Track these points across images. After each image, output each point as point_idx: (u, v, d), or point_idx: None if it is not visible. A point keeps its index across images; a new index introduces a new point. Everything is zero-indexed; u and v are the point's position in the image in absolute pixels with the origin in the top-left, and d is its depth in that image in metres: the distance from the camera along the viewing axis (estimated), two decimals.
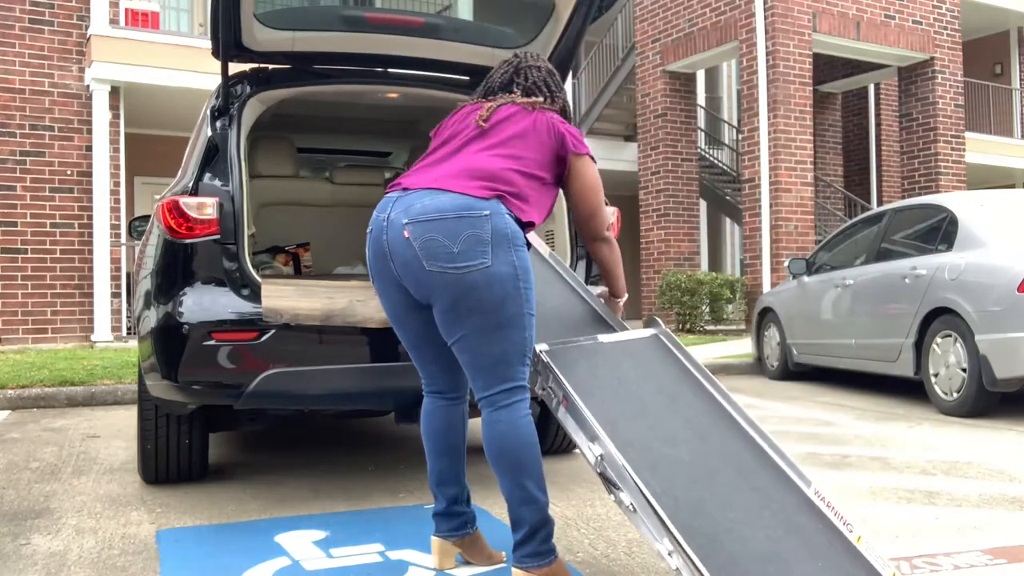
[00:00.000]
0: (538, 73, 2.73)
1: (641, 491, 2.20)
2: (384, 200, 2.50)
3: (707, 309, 13.07)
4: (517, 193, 2.47)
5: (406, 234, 2.37)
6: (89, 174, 10.62)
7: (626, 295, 2.94)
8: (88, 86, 10.55)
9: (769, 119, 12.71)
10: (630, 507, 2.23)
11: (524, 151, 2.54)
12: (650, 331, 2.86)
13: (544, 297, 2.98)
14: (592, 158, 2.67)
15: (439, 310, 2.39)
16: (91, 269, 10.56)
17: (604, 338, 2.76)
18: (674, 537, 2.07)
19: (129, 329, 10.51)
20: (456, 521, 2.64)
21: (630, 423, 2.43)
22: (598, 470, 2.34)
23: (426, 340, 2.56)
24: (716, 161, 16.78)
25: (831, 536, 2.17)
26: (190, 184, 3.35)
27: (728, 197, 15.85)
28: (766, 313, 8.66)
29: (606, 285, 2.93)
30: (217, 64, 3.54)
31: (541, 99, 2.68)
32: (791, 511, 2.22)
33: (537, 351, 2.59)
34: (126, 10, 10.84)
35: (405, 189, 2.49)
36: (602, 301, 3.03)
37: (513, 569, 2.40)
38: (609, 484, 2.31)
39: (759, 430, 2.48)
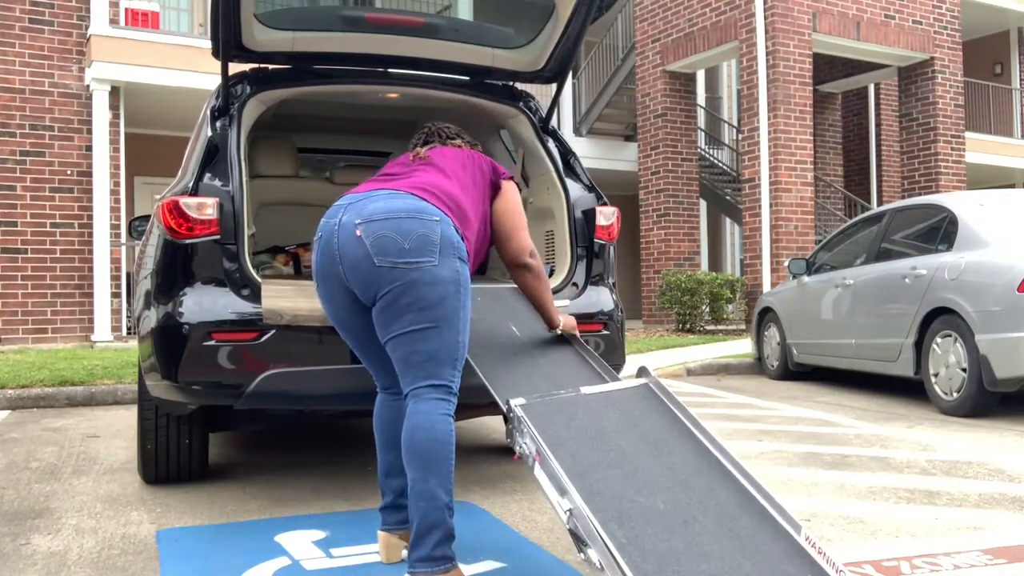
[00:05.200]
0: (450, 130, 3.03)
1: (605, 543, 2.03)
2: (334, 207, 2.58)
3: (707, 309, 13.07)
4: (461, 213, 2.64)
5: (358, 233, 2.46)
6: (89, 174, 10.62)
7: (559, 326, 2.93)
8: (88, 86, 10.56)
9: (769, 119, 12.71)
10: (598, 565, 2.04)
11: (466, 179, 2.76)
12: (640, 380, 2.73)
13: (529, 348, 2.91)
14: (518, 185, 2.92)
15: (381, 306, 2.46)
16: (91, 269, 10.56)
17: (587, 390, 2.62)
18: None
19: (129, 329, 10.51)
20: (403, 514, 2.69)
21: (604, 473, 2.27)
22: (568, 527, 2.15)
23: (369, 343, 2.65)
24: (716, 161, 16.77)
25: None
26: (190, 184, 3.35)
27: (728, 197, 15.85)
28: (766, 313, 8.66)
29: (540, 315, 2.95)
30: (217, 64, 3.53)
31: (465, 144, 3.00)
32: (777, 559, 2.07)
33: (512, 406, 2.50)
34: (126, 10, 10.85)
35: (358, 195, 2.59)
36: (595, 353, 2.93)
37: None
38: (579, 542, 2.12)
39: (748, 476, 2.34)
